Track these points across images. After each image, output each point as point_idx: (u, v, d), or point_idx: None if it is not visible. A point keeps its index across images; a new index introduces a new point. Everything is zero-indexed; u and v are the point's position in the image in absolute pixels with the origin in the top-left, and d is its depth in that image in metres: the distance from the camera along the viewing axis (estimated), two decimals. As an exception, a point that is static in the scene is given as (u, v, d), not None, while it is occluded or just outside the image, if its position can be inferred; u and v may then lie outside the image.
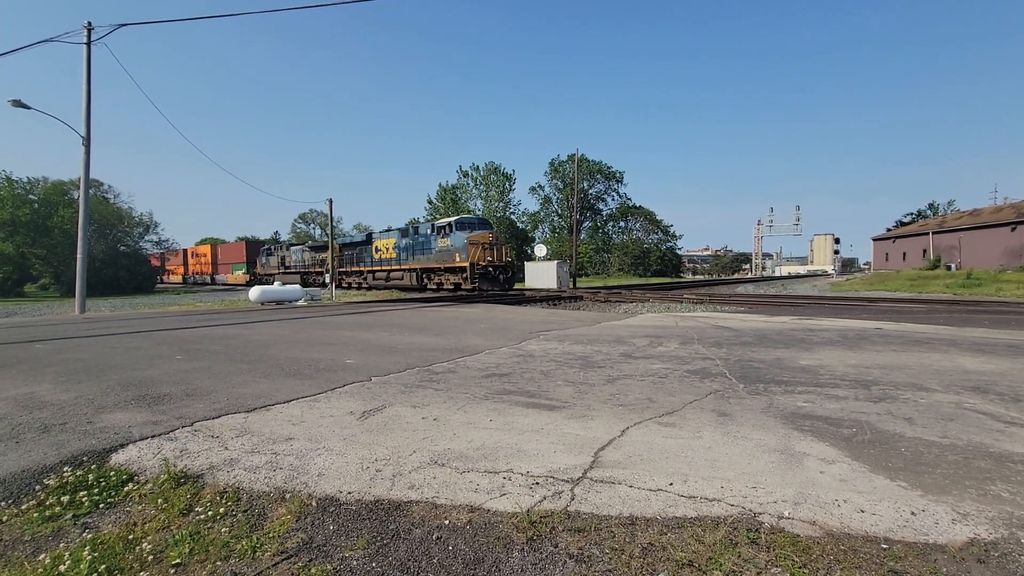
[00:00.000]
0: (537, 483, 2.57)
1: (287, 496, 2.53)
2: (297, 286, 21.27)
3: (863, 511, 2.22)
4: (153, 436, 3.36)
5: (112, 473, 2.81)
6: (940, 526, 2.08)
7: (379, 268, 30.33)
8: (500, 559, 1.97)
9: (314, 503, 2.45)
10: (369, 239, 31.98)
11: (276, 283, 22.67)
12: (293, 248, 42.07)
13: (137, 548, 2.10)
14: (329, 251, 30.32)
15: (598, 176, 52.19)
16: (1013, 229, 38.24)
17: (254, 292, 18.10)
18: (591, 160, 52.15)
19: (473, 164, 54.40)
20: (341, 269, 33.82)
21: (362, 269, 32.16)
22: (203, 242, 76.13)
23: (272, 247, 45.13)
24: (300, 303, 18.38)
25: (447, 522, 2.24)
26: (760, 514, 2.22)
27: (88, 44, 15.53)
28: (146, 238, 43.13)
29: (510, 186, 54.06)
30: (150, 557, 2.03)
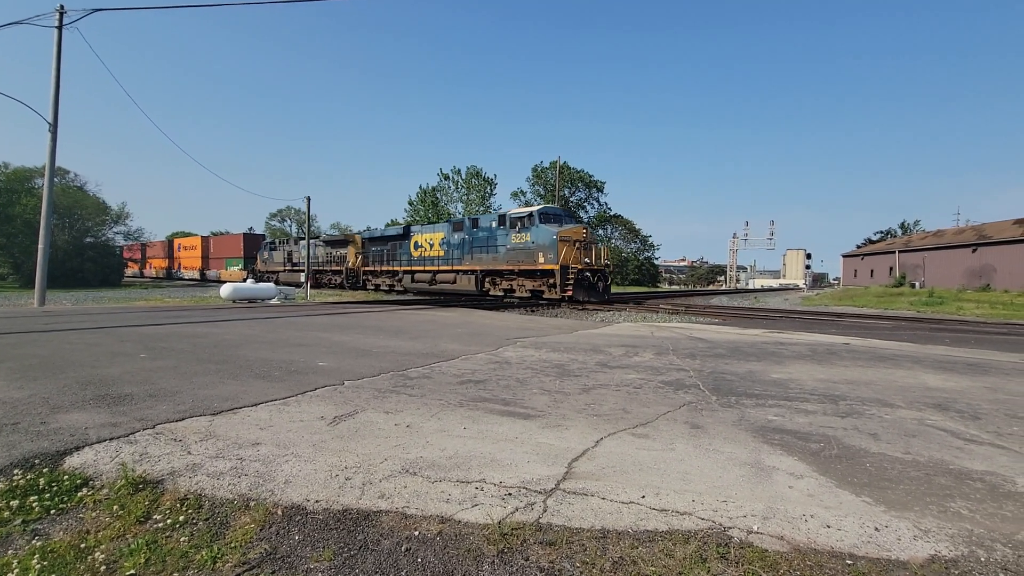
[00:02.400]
0: (510, 494, 2.55)
1: (251, 504, 2.45)
2: (271, 284, 20.80)
3: (829, 526, 2.26)
4: (111, 439, 3.23)
5: (65, 477, 2.68)
6: (902, 542, 2.13)
7: (420, 268, 25.50)
8: (470, 572, 1.93)
9: (280, 512, 2.38)
10: (407, 233, 27.32)
11: (250, 281, 22.16)
12: (304, 243, 35.82)
13: (89, 557, 2.00)
14: (306, 247, 28.79)
15: (579, 184, 52.63)
16: (974, 251, 39.87)
17: (225, 289, 17.67)
18: (573, 168, 52.56)
19: (454, 167, 54.26)
20: (366, 268, 29.50)
21: (395, 269, 27.34)
22: (178, 235, 74.06)
23: (276, 241, 40.62)
24: (273, 302, 18.02)
25: (417, 533, 2.20)
26: (730, 528, 2.23)
27: (59, 28, 15.02)
28: (114, 229, 41.70)
29: (491, 190, 54.08)
30: (103, 567, 1.94)
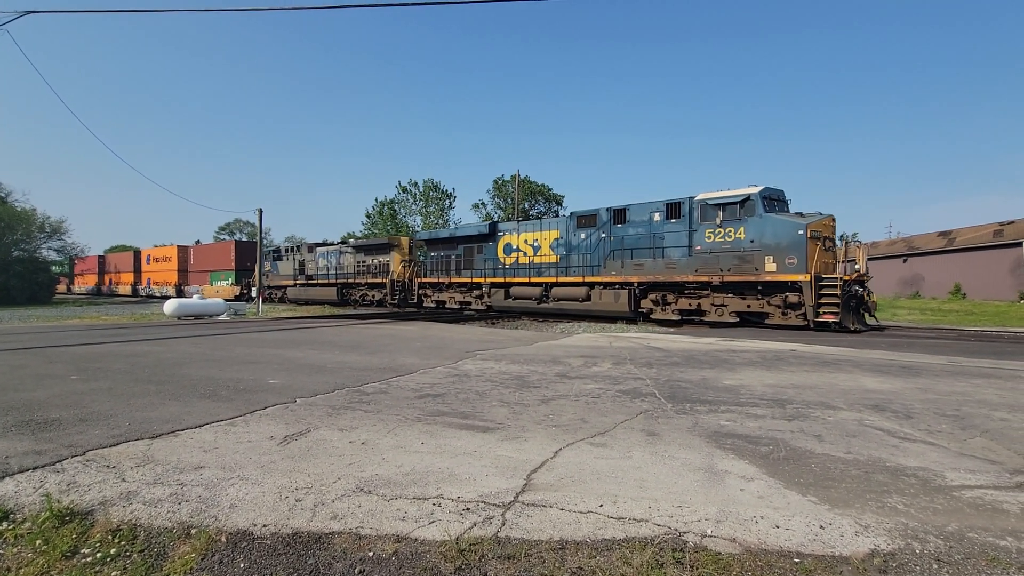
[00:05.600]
0: (468, 509, 2.50)
1: (193, 532, 2.31)
2: (219, 300, 19.88)
3: (778, 526, 2.33)
4: (35, 468, 2.98)
5: (-21, 512, 2.45)
6: (845, 539, 2.22)
7: (521, 281, 19.09)
8: (426, 592, 1.88)
9: (224, 538, 2.25)
10: (492, 232, 20.70)
11: (193, 297, 21.08)
12: (321, 250, 30.40)
13: (3, 600, 1.83)
14: (258, 260, 26.25)
15: (539, 197, 53.19)
16: (904, 261, 42.73)
17: (169, 306, 16.80)
18: (533, 181, 53.12)
19: (411, 180, 53.84)
20: (423, 280, 23.37)
21: (475, 281, 20.76)
22: (114, 250, 69.88)
23: (282, 249, 33.99)
24: (223, 318, 17.25)
25: (371, 554, 2.13)
26: (685, 533, 2.27)
27: (-15, 28, 14.05)
28: (47, 244, 38.86)
29: (450, 203, 53.92)
30: (19, 610, 1.77)
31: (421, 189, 53.31)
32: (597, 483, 2.83)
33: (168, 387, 5.28)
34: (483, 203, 55.42)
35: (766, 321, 13.87)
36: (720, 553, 2.11)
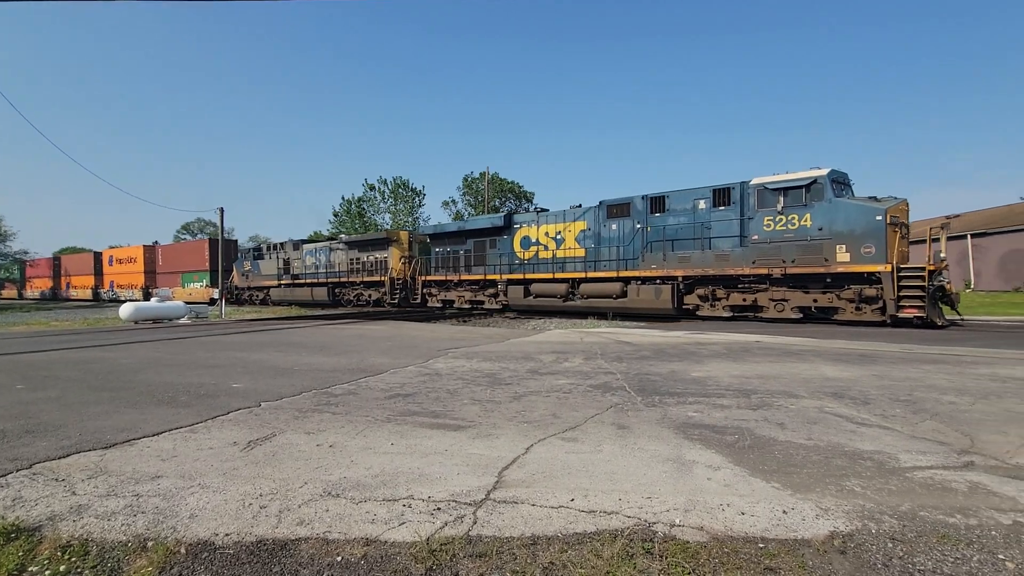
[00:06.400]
0: (439, 508, 2.48)
1: (150, 544, 2.21)
2: (180, 303, 19.14)
3: (743, 513, 2.38)
4: (-25, 483, 2.80)
5: (-89, 534, 2.29)
6: (806, 522, 2.29)
7: (542, 277, 17.74)
8: (395, 595, 1.85)
9: (183, 550, 2.16)
10: (508, 224, 19.09)
11: (151, 300, 20.26)
12: (309, 247, 28.43)
13: (-62, 627, 1.71)
14: (219, 260, 24.58)
15: (509, 194, 53.20)
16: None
17: (126, 309, 16.11)
18: (503, 179, 53.09)
19: (380, 177, 53.08)
20: (427, 277, 21.77)
21: (489, 277, 19.32)
22: (67, 251, 66.57)
23: (265, 247, 31.57)
24: (183, 321, 16.65)
25: (340, 559, 2.08)
26: (654, 524, 2.30)
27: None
28: None
29: (420, 201, 53.40)
30: (-44, 636, 1.66)
31: (390, 187, 52.63)
32: (568, 478, 2.84)
33: (124, 394, 5.06)
34: (453, 200, 55.11)
35: (835, 317, 12.62)
36: (688, 542, 2.14)
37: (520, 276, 18.41)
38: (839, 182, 12.71)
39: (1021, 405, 4.38)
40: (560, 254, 17.57)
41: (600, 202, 16.82)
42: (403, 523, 2.34)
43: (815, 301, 12.78)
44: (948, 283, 11.76)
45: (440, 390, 5.19)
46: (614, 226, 16.26)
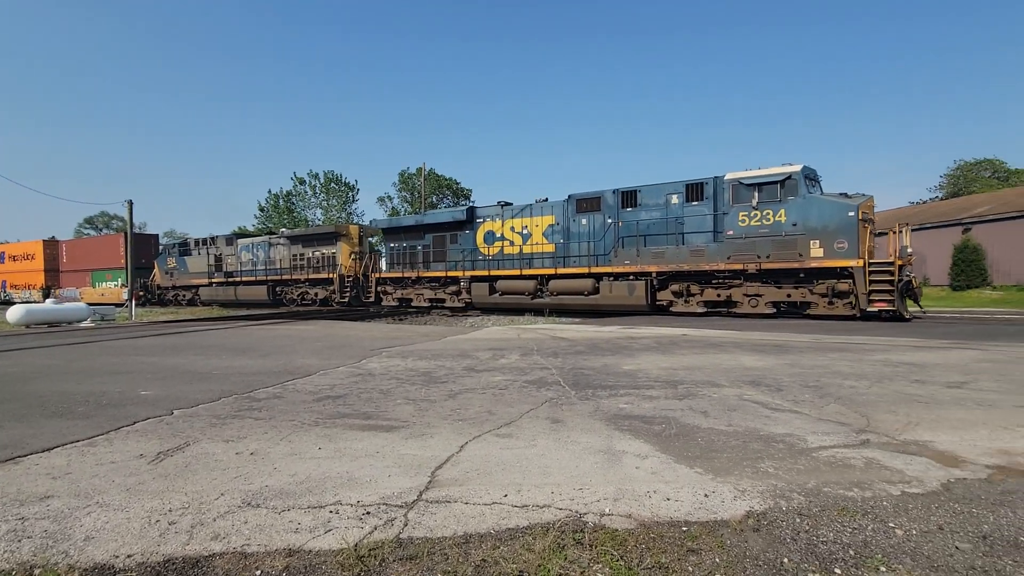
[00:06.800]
0: (368, 512, 2.39)
1: (37, 572, 1.97)
2: (80, 304, 17.37)
3: (669, 499, 2.48)
4: None
5: None
6: (725, 504, 2.42)
7: (508, 273, 17.21)
8: (319, 606, 1.76)
9: (77, 575, 1.95)
10: (470, 218, 18.41)
11: (46, 302, 18.24)
12: (244, 242, 26.15)
13: None
14: (127, 257, 21.90)
15: (447, 191, 52.68)
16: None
17: (14, 312, 14.40)
18: (440, 175, 52.47)
19: (311, 171, 50.83)
20: (383, 275, 20.54)
21: (451, 274, 18.62)
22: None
23: (193, 243, 28.44)
24: (86, 324, 15.14)
25: (259, 572, 1.95)
26: (585, 514, 2.34)
27: None
28: None
29: (353, 196, 51.74)
30: None
31: (321, 181, 50.59)
32: (502, 473, 2.84)
33: (9, 407, 4.51)
34: (389, 196, 53.87)
35: (808, 312, 12.88)
36: (617, 530, 2.20)
37: (485, 272, 17.76)
38: (810, 178, 13.02)
39: (909, 387, 4.88)
40: (527, 249, 17.11)
41: (569, 196, 16.46)
42: (329, 530, 2.24)
43: (788, 296, 13.02)
44: (913, 277, 12.32)
45: (373, 390, 5.04)
46: (584, 221, 15.95)
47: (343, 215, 49.42)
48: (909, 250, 12.47)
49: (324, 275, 22.61)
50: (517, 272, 17.11)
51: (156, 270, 29.75)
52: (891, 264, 11.78)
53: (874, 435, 3.43)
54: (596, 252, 15.64)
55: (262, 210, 50.98)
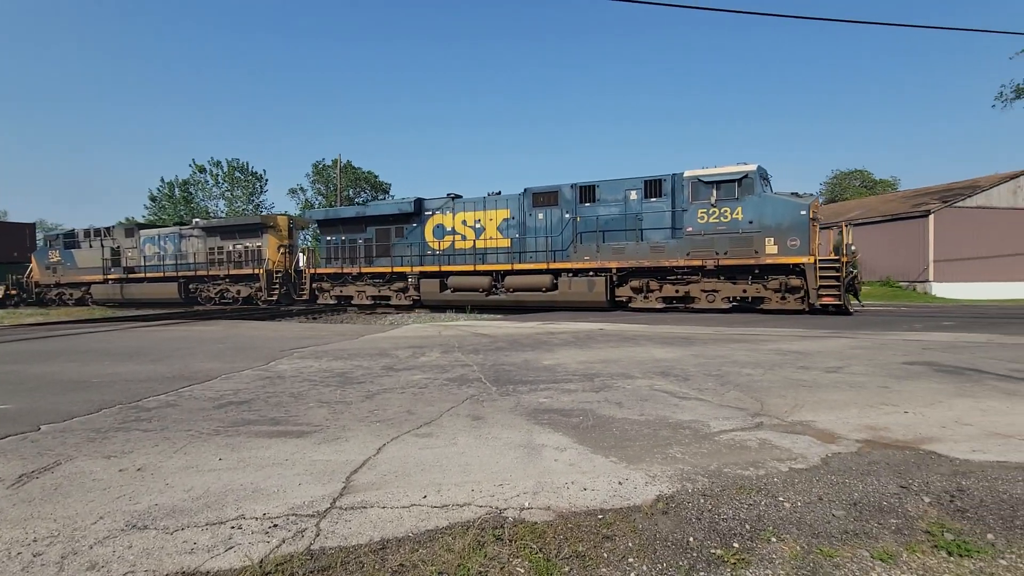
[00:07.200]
0: (275, 525, 2.23)
1: None
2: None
3: (586, 489, 2.55)
4: None
5: None
6: (637, 490, 2.53)
7: (461, 269, 16.69)
8: (217, 632, 1.61)
9: (-94, 628, 1.64)
10: (418, 210, 17.53)
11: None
12: (148, 233, 23.43)
13: None
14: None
15: (365, 184, 50.80)
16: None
17: None
18: (357, 167, 50.48)
19: (212, 159, 46.85)
20: (319, 271, 19.20)
21: (398, 270, 17.68)
22: None
23: (83, 233, 24.65)
24: (-73, 329, 12.87)
25: (145, 602, 1.75)
26: (505, 510, 2.35)
27: None
28: None
29: (261, 187, 48.41)
30: None
31: (225, 169, 46.83)
32: (422, 474, 2.77)
33: None
34: (302, 188, 51.05)
35: (761, 306, 13.45)
36: (536, 523, 2.22)
37: (435, 268, 17.04)
38: (763, 177, 13.49)
39: (795, 373, 5.40)
40: (481, 244, 16.56)
41: (525, 189, 16.22)
42: (231, 548, 2.06)
43: (744, 291, 13.48)
44: (857, 273, 13.14)
45: (282, 394, 4.74)
46: (541, 215, 15.74)
47: (250, 207, 46.12)
48: (854, 248, 13.19)
49: (249, 270, 20.64)
50: (471, 268, 16.56)
51: (34, 265, 25.91)
52: (838, 261, 12.62)
53: (767, 418, 3.75)
54: (554, 247, 15.53)
55: (153, 200, 46.30)
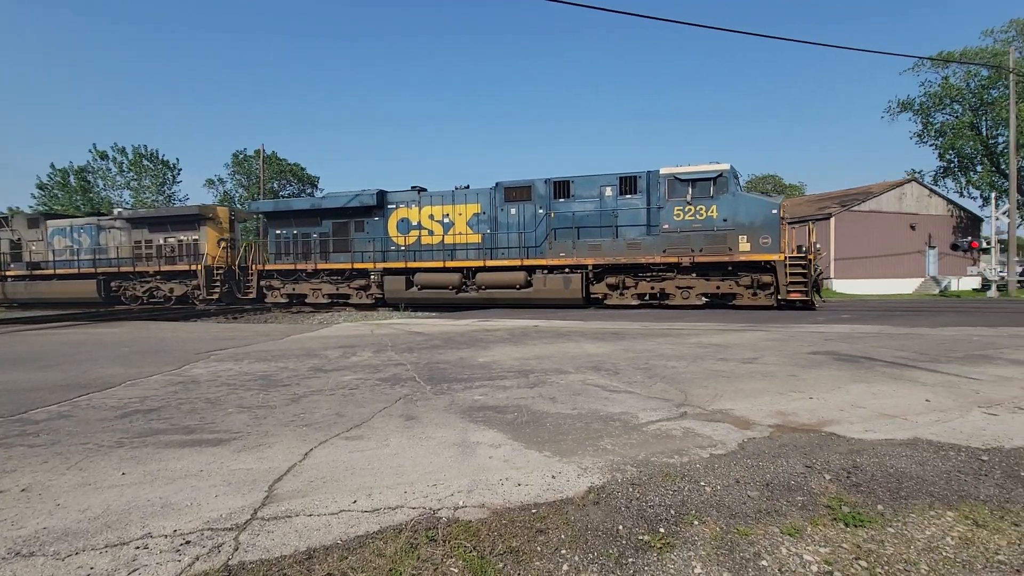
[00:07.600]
0: (188, 542, 2.07)
1: None
2: None
3: (520, 484, 2.57)
4: None
5: None
6: (570, 482, 2.58)
7: (429, 266, 15.95)
8: (118, 664, 1.46)
9: None
10: (380, 203, 16.60)
11: None
12: (58, 223, 21.00)
13: None
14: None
15: (291, 177, 48.28)
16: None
17: None
18: (282, 159, 47.87)
19: (116, 144, 42.65)
20: (269, 267, 17.79)
21: (360, 267, 16.71)
22: None
23: None
24: None
25: (29, 638, 1.56)
26: (439, 510, 2.31)
27: None
28: None
29: (174, 176, 44.77)
30: None
31: (131, 157, 42.85)
32: (352, 478, 2.67)
33: None
34: (220, 179, 47.74)
35: (733, 302, 13.80)
36: (471, 521, 2.20)
37: (401, 265, 16.18)
38: (736, 176, 13.86)
39: (716, 364, 5.74)
40: (449, 240, 15.96)
41: (496, 183, 15.72)
42: (135, 570, 1.88)
43: (718, 288, 13.85)
44: (821, 270, 13.69)
45: (197, 400, 4.40)
46: (513, 211, 15.37)
47: (160, 199, 42.52)
48: (819, 245, 13.63)
49: (184, 267, 18.90)
50: (440, 264, 15.93)
51: None
52: (805, 259, 13.09)
53: (690, 407, 3.96)
54: (528, 244, 15.26)
55: (43, 188, 41.52)
